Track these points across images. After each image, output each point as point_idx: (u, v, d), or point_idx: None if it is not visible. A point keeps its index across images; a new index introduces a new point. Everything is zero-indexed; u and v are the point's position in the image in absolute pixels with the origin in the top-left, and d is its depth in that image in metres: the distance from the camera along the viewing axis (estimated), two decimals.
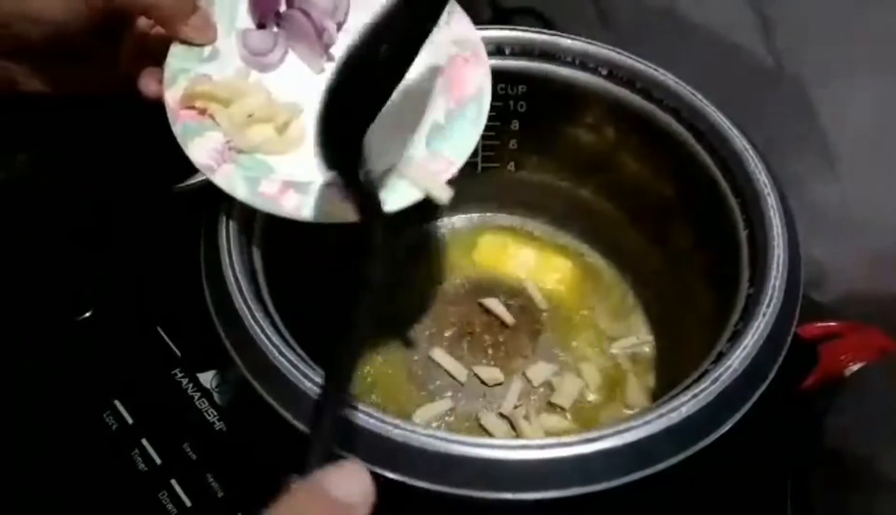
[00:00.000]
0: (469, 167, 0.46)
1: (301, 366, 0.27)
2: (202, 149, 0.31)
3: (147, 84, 0.33)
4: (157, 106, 0.32)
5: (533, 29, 0.41)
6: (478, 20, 0.66)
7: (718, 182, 0.35)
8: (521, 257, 0.47)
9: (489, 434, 0.39)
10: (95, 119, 0.54)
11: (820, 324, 0.49)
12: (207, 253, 0.31)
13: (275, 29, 0.35)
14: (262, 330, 0.28)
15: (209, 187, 0.31)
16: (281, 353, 0.28)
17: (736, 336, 0.29)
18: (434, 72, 0.34)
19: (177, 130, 0.31)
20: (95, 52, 0.36)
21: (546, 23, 0.57)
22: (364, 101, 0.27)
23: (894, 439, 0.36)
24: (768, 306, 0.29)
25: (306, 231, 0.30)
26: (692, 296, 0.38)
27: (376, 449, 0.25)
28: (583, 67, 0.40)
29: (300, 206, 0.30)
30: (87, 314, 0.45)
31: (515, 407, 0.39)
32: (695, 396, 0.27)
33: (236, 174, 0.31)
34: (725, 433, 0.27)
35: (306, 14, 0.34)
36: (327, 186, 0.29)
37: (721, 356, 0.29)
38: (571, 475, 0.25)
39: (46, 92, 0.37)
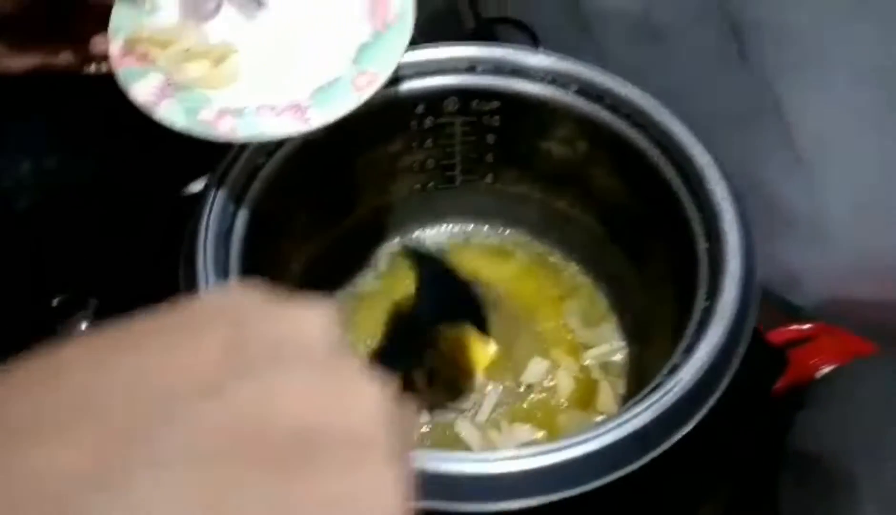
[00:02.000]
0: (448, 180, 0.48)
1: None
2: (144, 89, 0.34)
3: (96, 44, 0.35)
4: None
5: (505, 45, 0.42)
6: (461, 29, 0.68)
7: (682, 196, 0.37)
8: (498, 268, 0.48)
9: (465, 444, 0.40)
10: (100, 125, 0.56)
11: (793, 327, 0.50)
12: (186, 277, 0.33)
13: None
14: None
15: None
16: None
17: (690, 349, 0.30)
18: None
19: (119, 75, 0.34)
20: (59, 26, 0.37)
21: (527, 32, 0.58)
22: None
23: (862, 440, 0.37)
24: (721, 319, 0.31)
25: (278, 259, 0.32)
26: (662, 306, 0.40)
27: None
28: (554, 83, 0.41)
29: (234, 128, 0.33)
30: (84, 326, 0.47)
31: (488, 418, 0.41)
32: (648, 407, 0.28)
33: (176, 107, 0.33)
34: (689, 438, 0.29)
35: None
36: (258, 108, 0.34)
37: (675, 368, 0.30)
38: (526, 487, 0.26)
39: (14, 71, 0.37)
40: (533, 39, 0.58)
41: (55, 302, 0.48)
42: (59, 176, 0.53)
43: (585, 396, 0.42)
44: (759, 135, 0.49)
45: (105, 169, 0.52)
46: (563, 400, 0.42)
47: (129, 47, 0.34)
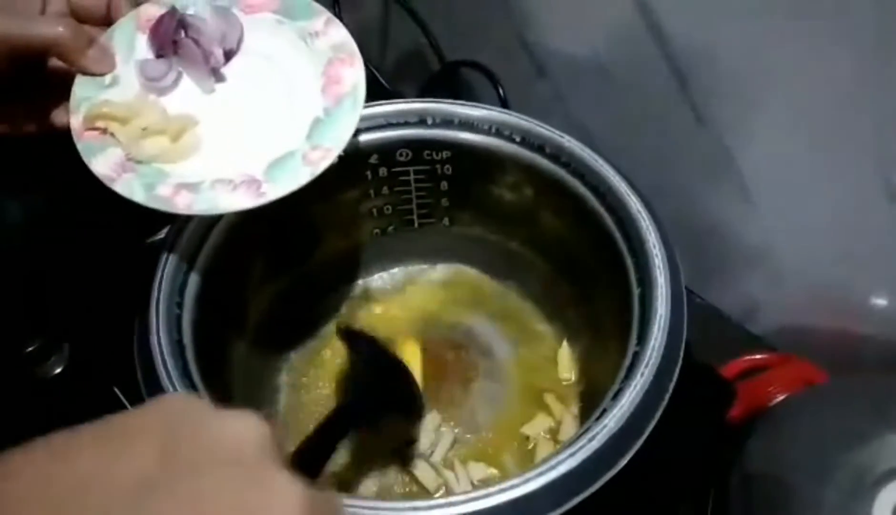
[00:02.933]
0: (407, 223, 0.50)
1: None
2: (104, 163, 0.35)
3: (57, 115, 0.37)
4: None
5: (452, 101, 0.44)
6: (427, 71, 0.70)
7: (618, 242, 0.38)
8: (456, 306, 0.50)
9: (420, 484, 0.41)
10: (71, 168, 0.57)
11: (750, 357, 0.52)
12: (140, 332, 0.34)
13: (171, 56, 0.39)
14: None
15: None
16: None
17: (618, 394, 0.32)
18: (314, 74, 0.39)
19: (80, 148, 0.35)
20: (19, 93, 0.37)
21: (488, 75, 0.60)
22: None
23: (807, 466, 0.39)
24: (646, 365, 0.32)
25: (237, 306, 0.33)
26: (605, 345, 0.41)
27: None
28: (498, 134, 0.43)
29: (191, 203, 0.35)
30: (58, 371, 0.48)
31: (446, 463, 0.42)
32: (572, 454, 0.29)
33: (135, 182, 0.35)
34: (637, 467, 0.30)
35: (196, 42, 0.39)
36: (214, 183, 0.35)
37: (603, 413, 0.31)
38: None
39: None
40: (492, 81, 0.60)
41: (30, 349, 0.49)
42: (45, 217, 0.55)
43: (547, 428, 0.44)
44: (705, 173, 0.51)
45: (68, 212, 0.54)
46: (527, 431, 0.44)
47: (90, 122, 0.36)
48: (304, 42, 0.39)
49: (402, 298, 0.51)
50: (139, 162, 0.36)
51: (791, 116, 0.45)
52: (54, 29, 0.35)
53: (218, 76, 0.39)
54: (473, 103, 0.44)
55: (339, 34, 0.39)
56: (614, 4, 0.48)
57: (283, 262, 0.46)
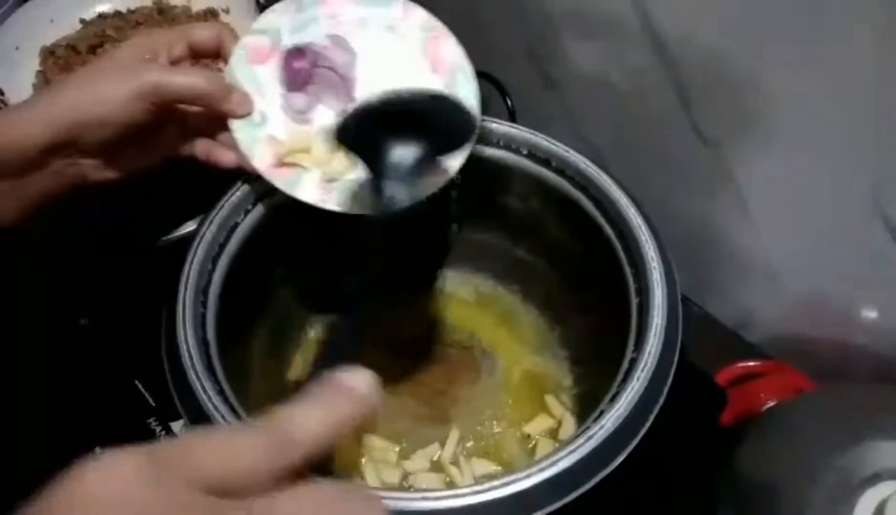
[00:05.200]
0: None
1: None
2: (309, 191, 0.39)
3: (222, 156, 0.41)
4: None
5: None
6: None
7: (618, 253, 0.40)
8: (462, 310, 0.52)
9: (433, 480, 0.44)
10: None
11: (743, 364, 0.54)
12: (167, 329, 0.36)
13: (308, 86, 0.42)
14: (211, 400, 0.33)
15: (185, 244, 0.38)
16: (227, 421, 0.33)
17: (615, 397, 0.34)
18: (418, 58, 0.41)
19: (280, 185, 0.39)
20: (145, 137, 0.40)
21: (497, 85, 0.62)
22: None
23: (796, 470, 0.40)
24: (643, 371, 0.34)
25: (250, 307, 0.35)
26: (605, 350, 0.43)
27: None
28: (507, 147, 0.45)
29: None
30: (73, 361, 0.50)
31: (452, 459, 0.44)
32: (571, 452, 0.31)
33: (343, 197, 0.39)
34: (631, 467, 0.32)
35: (332, 70, 0.42)
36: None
37: (601, 414, 0.33)
38: None
39: (111, 180, 0.41)
40: (501, 91, 0.62)
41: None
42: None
43: (549, 428, 0.46)
44: (705, 187, 0.53)
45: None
46: (529, 431, 0.46)
47: (281, 159, 0.40)
48: (392, 32, 0.41)
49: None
50: (331, 180, 0.39)
51: (789, 137, 0.47)
52: (201, 80, 0.38)
53: (352, 99, 0.42)
54: (484, 117, 0.46)
55: (420, 15, 0.41)
56: (622, 24, 0.50)
57: (298, 266, 0.48)
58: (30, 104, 0.38)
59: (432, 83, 0.40)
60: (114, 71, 0.37)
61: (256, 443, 0.21)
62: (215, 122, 0.40)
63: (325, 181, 0.40)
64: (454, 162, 0.39)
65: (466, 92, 0.40)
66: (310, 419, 0.23)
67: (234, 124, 0.40)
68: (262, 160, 0.39)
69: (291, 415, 0.23)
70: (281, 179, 0.39)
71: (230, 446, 0.21)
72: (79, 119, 0.37)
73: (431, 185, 0.39)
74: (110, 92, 0.36)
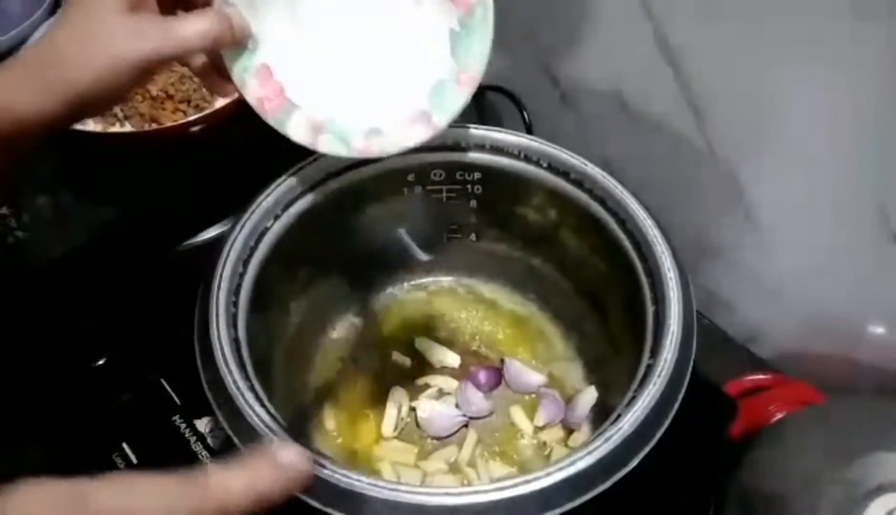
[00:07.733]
0: (437, 238, 0.53)
1: (279, 432, 0.34)
2: (297, 130, 0.39)
3: (225, 89, 0.40)
4: None
5: (485, 127, 0.47)
6: None
7: (634, 263, 0.42)
8: (479, 317, 0.53)
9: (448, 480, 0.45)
10: (111, 167, 0.61)
11: (752, 377, 0.55)
12: (200, 328, 0.38)
13: None
14: (243, 396, 0.35)
15: (207, 248, 0.39)
16: (261, 420, 0.34)
17: (632, 401, 0.35)
18: None
19: (270, 121, 0.39)
20: None
21: (514, 100, 0.64)
22: None
23: (802, 482, 0.41)
24: (659, 376, 0.35)
25: (275, 308, 0.36)
26: (618, 358, 0.44)
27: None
28: (526, 159, 0.46)
29: (383, 147, 0.39)
30: (101, 362, 0.52)
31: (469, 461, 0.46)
32: (589, 453, 0.33)
33: (332, 140, 0.39)
34: (641, 474, 0.33)
35: None
36: (392, 125, 0.39)
37: (618, 418, 0.35)
38: None
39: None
40: (518, 106, 0.64)
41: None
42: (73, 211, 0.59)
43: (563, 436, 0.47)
44: (717, 203, 0.54)
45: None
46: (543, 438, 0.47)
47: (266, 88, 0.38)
48: None
49: (428, 307, 0.54)
50: (322, 121, 0.39)
51: (799, 155, 0.48)
52: (207, 24, 0.35)
53: None
54: (504, 129, 0.47)
55: None
56: (636, 41, 0.51)
57: (322, 270, 0.50)
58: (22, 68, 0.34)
59: (450, 13, 0.39)
60: (101, 50, 0.33)
61: (167, 489, 0.24)
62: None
63: (315, 122, 0.39)
64: (443, 116, 0.40)
65: (482, 33, 0.38)
66: (235, 482, 0.25)
67: (228, 55, 0.38)
68: (252, 93, 0.39)
69: (220, 475, 0.25)
70: (271, 116, 0.39)
71: (139, 486, 0.24)
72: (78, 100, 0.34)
73: (419, 134, 0.40)
74: (105, 77, 0.33)
